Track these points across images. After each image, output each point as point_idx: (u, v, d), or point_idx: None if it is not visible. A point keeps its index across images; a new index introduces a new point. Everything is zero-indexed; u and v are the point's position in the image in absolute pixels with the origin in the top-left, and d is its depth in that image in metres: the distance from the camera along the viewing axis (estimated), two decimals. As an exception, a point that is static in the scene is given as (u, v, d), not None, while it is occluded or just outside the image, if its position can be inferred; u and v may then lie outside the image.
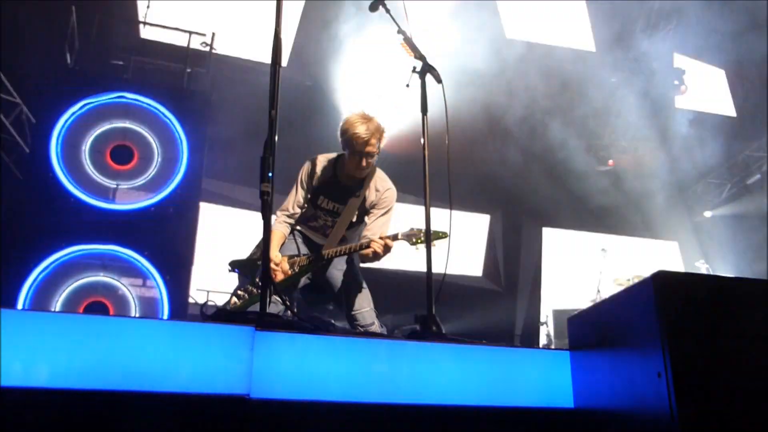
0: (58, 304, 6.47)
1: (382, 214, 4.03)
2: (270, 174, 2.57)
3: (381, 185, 4.10)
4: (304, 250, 4.06)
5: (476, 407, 2.20)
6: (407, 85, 3.33)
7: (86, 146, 6.89)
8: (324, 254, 3.87)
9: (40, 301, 6.39)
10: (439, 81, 3.26)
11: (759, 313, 1.89)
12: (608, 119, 11.22)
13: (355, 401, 2.03)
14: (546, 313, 8.01)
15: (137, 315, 6.68)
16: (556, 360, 2.42)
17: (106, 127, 7.01)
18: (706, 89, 11.48)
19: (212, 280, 7.61)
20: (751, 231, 9.78)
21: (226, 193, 8.92)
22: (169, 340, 1.93)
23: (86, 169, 6.85)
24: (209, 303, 2.56)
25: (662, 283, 1.86)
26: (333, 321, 6.05)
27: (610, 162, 11.22)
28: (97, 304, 6.64)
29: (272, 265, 3.73)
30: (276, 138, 2.63)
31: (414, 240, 3.67)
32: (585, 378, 2.29)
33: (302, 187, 4.09)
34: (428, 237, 3.08)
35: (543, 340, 8.05)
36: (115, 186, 6.91)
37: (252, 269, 4.00)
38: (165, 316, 6.61)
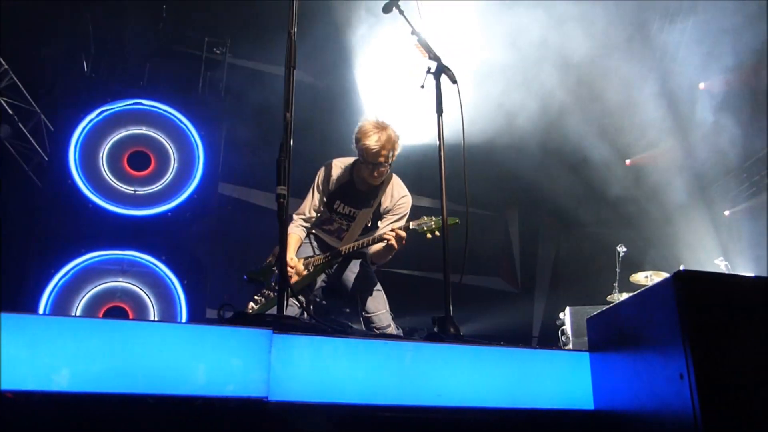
0: (78, 309, 6.53)
1: (396, 220, 4.03)
2: (286, 177, 2.57)
3: (397, 192, 4.10)
4: (319, 252, 4.06)
5: (495, 409, 2.19)
6: (422, 86, 3.32)
7: (104, 153, 6.96)
8: (341, 250, 3.87)
9: (61, 306, 6.45)
10: (454, 81, 3.24)
11: (783, 311, 1.86)
12: (628, 115, 11.10)
13: (374, 404, 2.03)
14: (563, 313, 7.93)
15: (156, 319, 6.72)
16: (575, 361, 2.40)
17: (123, 133, 7.07)
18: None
19: (230, 284, 7.64)
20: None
21: (243, 197, 8.95)
22: (187, 343, 1.93)
23: (104, 176, 6.91)
24: (226, 306, 2.57)
25: (683, 282, 1.83)
26: (350, 323, 6.06)
27: (627, 162, 11.11)
28: (117, 309, 6.69)
29: (287, 268, 3.74)
30: (291, 141, 2.63)
31: (425, 228, 3.64)
32: (605, 379, 2.26)
33: (318, 192, 4.10)
34: (444, 236, 3.06)
35: (561, 340, 7.98)
36: (132, 192, 6.96)
37: (267, 275, 4.02)
38: (183, 320, 6.64)
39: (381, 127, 3.88)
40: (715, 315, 1.82)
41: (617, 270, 7.51)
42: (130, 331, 1.91)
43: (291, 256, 3.87)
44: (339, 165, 4.12)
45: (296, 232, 4.04)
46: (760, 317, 1.85)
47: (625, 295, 7.39)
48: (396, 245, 3.71)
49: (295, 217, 4.08)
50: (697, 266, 9.02)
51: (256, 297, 4.01)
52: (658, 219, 10.14)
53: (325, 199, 4.11)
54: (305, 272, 3.88)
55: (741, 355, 1.79)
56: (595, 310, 7.54)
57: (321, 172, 4.13)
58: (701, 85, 10.35)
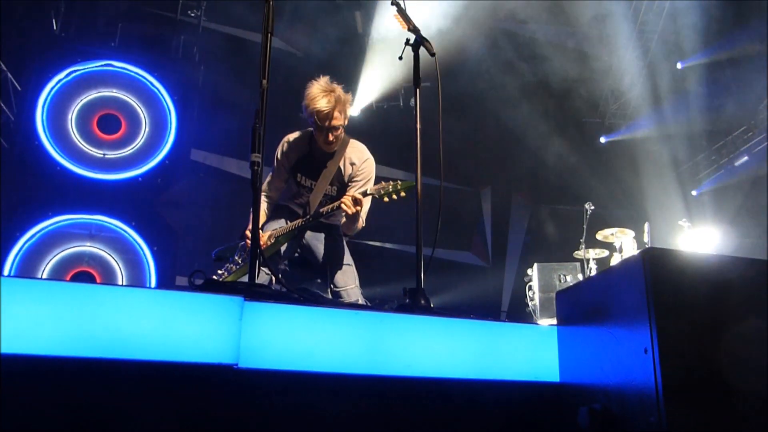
0: (44, 273, 6.44)
1: (362, 185, 3.97)
2: (261, 145, 2.54)
3: (357, 157, 4.02)
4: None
5: (463, 380, 2.22)
6: (400, 58, 3.28)
7: (72, 115, 6.81)
8: (300, 221, 3.86)
9: (26, 270, 6.36)
10: (432, 54, 3.21)
11: (747, 291, 1.91)
12: (601, 94, 11.22)
13: (343, 373, 2.04)
14: (531, 269, 8.03)
15: (124, 285, 6.66)
16: (543, 335, 2.44)
17: (93, 95, 6.92)
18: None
19: (200, 251, 7.59)
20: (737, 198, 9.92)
21: (215, 164, 8.85)
22: (157, 308, 1.92)
23: (73, 138, 6.77)
24: (197, 273, 2.55)
25: (651, 260, 1.87)
26: (321, 293, 6.07)
27: (602, 140, 11.26)
28: (84, 274, 6.61)
29: (248, 241, 3.72)
30: (266, 108, 2.60)
31: (382, 192, 3.62)
32: (571, 353, 2.30)
33: (278, 167, 4.06)
34: (418, 208, 3.07)
35: (528, 295, 8.11)
36: (102, 155, 6.84)
37: (233, 251, 4.00)
38: (152, 286, 6.60)
39: (329, 89, 3.79)
40: (681, 292, 1.86)
41: (584, 227, 7.60)
42: (99, 296, 1.89)
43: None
44: (296, 137, 4.06)
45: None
46: (725, 295, 1.90)
47: (591, 252, 7.51)
48: (351, 210, 3.65)
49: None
50: (662, 224, 9.24)
51: (219, 271, 3.99)
52: (627, 179, 10.30)
53: (288, 175, 4.07)
54: (269, 243, 3.86)
55: (703, 331, 1.84)
56: (562, 267, 7.71)
57: (279, 148, 4.08)
58: (679, 65, 10.48)
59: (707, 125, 10.75)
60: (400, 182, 3.61)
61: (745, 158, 10.30)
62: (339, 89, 3.82)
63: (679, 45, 10.60)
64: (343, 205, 3.65)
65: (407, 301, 2.76)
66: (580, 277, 7.56)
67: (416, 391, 2.13)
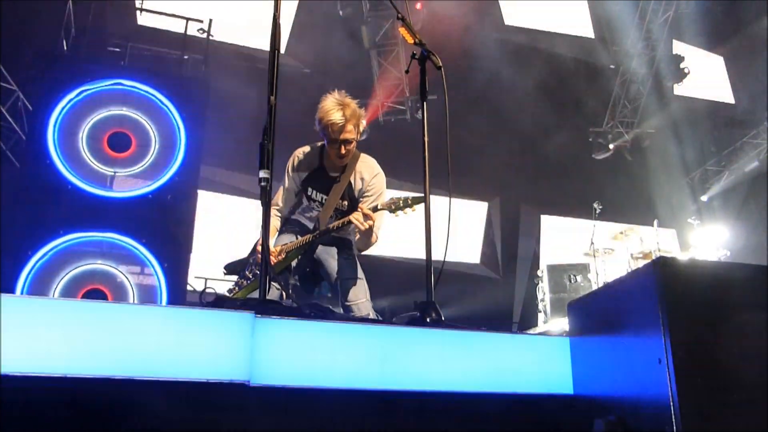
0: (56, 292, 6.45)
1: (373, 201, 3.95)
2: (269, 161, 2.55)
3: (367, 172, 4.01)
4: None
5: (476, 394, 2.20)
6: (406, 71, 3.30)
7: (83, 133, 6.85)
8: (312, 235, 3.85)
9: (38, 289, 6.37)
10: (438, 67, 3.22)
11: (760, 298, 1.89)
12: (607, 106, 11.22)
13: (355, 388, 2.03)
14: (541, 270, 7.99)
15: (135, 302, 6.68)
16: (555, 346, 2.42)
17: (103, 114, 6.96)
18: (705, 76, 11.47)
19: (211, 268, 7.60)
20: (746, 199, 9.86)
21: (225, 180, 8.89)
22: (169, 326, 1.92)
23: (83, 157, 6.81)
24: (208, 290, 2.55)
25: (663, 269, 1.85)
26: (331, 308, 6.06)
27: (611, 146, 11.24)
28: (96, 291, 6.62)
29: (259, 256, 3.72)
30: (275, 124, 2.61)
31: (393, 207, 3.60)
32: (585, 364, 2.29)
33: (289, 180, 4.06)
34: (428, 221, 3.07)
35: (538, 296, 8.06)
36: (112, 173, 6.87)
37: (244, 265, 4.01)
38: (163, 304, 6.61)
39: (344, 103, 3.80)
40: (693, 301, 1.85)
41: (593, 226, 7.56)
42: (110, 314, 1.90)
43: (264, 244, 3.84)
44: (307, 151, 4.06)
45: (269, 222, 3.99)
46: (738, 303, 1.88)
47: (601, 249, 7.46)
48: (362, 226, 3.63)
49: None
50: (671, 221, 9.18)
51: (230, 286, 4.00)
52: (637, 207, 10.26)
53: (298, 188, 4.07)
54: (280, 258, 3.86)
55: (717, 340, 1.82)
56: (572, 267, 7.67)
57: (289, 161, 4.08)
58: (686, 69, 10.47)
59: (716, 131, 10.72)
60: (411, 197, 3.61)
61: (755, 163, 10.25)
62: (353, 103, 3.84)
63: (685, 50, 10.62)
64: (354, 221, 3.64)
65: (418, 314, 2.75)
66: (590, 276, 7.52)
67: (428, 406, 2.12)
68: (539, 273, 8.05)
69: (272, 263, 3.80)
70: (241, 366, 1.92)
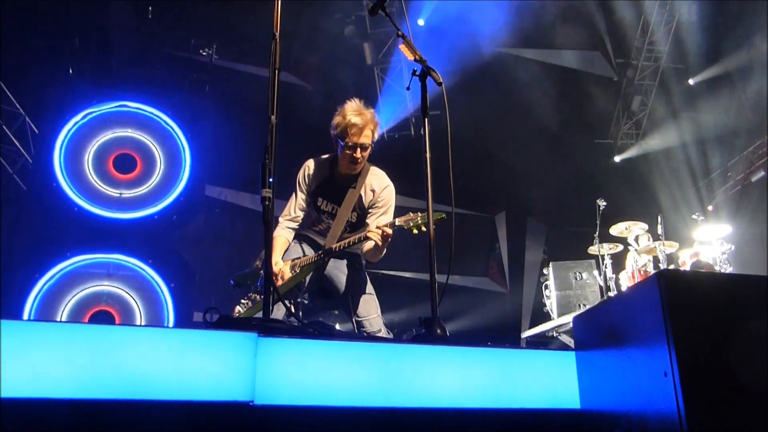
0: (63, 313, 6.48)
1: (383, 213, 3.95)
2: (271, 179, 2.56)
3: (377, 184, 4.00)
4: (309, 252, 4.00)
5: (482, 410, 2.19)
6: (407, 88, 3.31)
7: (89, 155, 6.92)
8: (330, 249, 3.82)
9: (46, 311, 6.40)
10: (439, 83, 3.24)
11: (765, 310, 1.88)
12: (612, 118, 11.24)
13: (360, 406, 2.02)
14: (547, 269, 7.97)
15: (143, 323, 6.69)
16: (561, 360, 2.40)
17: (108, 136, 7.03)
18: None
19: (217, 287, 7.61)
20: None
21: (230, 199, 8.92)
22: (173, 348, 1.92)
23: (89, 179, 6.87)
24: (212, 310, 2.55)
25: (668, 281, 1.84)
26: (338, 324, 6.05)
27: (617, 159, 11.26)
28: (103, 313, 6.64)
29: (277, 274, 3.71)
30: (276, 144, 2.62)
31: (411, 224, 3.58)
32: (591, 378, 2.27)
33: (301, 191, 4.05)
34: (430, 236, 3.06)
35: (544, 294, 8.03)
36: (118, 195, 6.92)
37: (254, 279, 3.98)
38: (170, 324, 6.61)
39: (362, 109, 3.84)
40: (698, 313, 1.83)
41: (597, 222, 7.54)
42: (116, 337, 1.90)
43: (277, 260, 3.82)
44: (318, 161, 4.07)
45: (283, 234, 3.97)
46: (744, 315, 1.87)
47: (605, 246, 7.43)
48: (382, 243, 3.64)
49: (281, 219, 4.02)
50: (676, 217, 9.14)
51: (242, 301, 3.98)
52: (642, 198, 10.24)
53: (309, 198, 4.06)
54: (291, 274, 3.84)
55: (724, 352, 1.81)
56: (577, 265, 7.67)
57: (301, 171, 4.08)
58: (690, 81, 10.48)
59: (720, 141, 10.71)
60: (423, 215, 3.57)
61: (762, 173, 10.21)
62: (372, 110, 3.89)
63: (689, 62, 10.63)
64: (374, 238, 3.61)
65: (423, 330, 2.74)
66: (596, 273, 7.51)
67: (434, 423, 2.10)
68: (545, 272, 8.07)
69: (285, 279, 3.78)
70: (245, 386, 1.91)
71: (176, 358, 1.89)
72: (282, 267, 3.79)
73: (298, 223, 4.07)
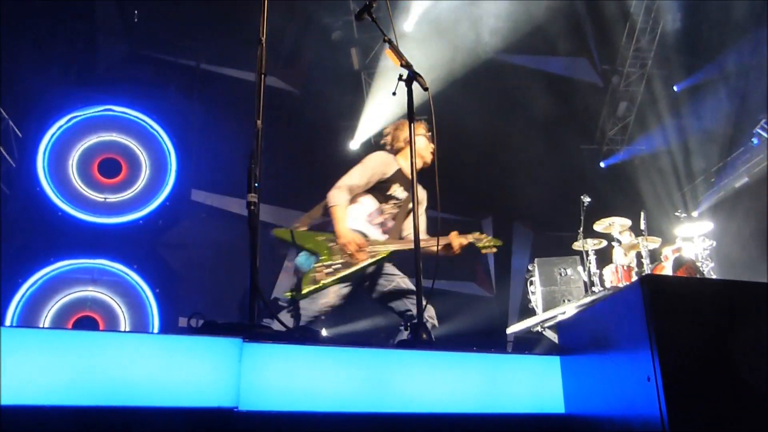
0: (47, 319, 6.41)
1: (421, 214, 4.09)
2: (256, 184, 2.56)
3: (421, 187, 4.13)
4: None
5: (467, 415, 2.19)
6: (394, 93, 3.32)
7: (73, 160, 6.86)
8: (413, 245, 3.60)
9: (29, 316, 6.33)
10: (425, 89, 3.25)
11: (748, 315, 1.90)
12: (597, 124, 11.33)
13: (345, 411, 2.02)
14: (532, 265, 7.99)
15: (127, 329, 6.64)
16: (546, 365, 2.41)
17: (93, 140, 6.98)
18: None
19: (203, 292, 7.57)
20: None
21: (216, 204, 8.87)
22: (157, 354, 1.91)
23: (74, 183, 6.81)
24: (197, 315, 2.53)
25: (651, 286, 1.86)
26: (323, 331, 6.02)
27: (602, 164, 11.34)
28: (87, 319, 6.58)
29: (356, 245, 3.71)
30: (261, 148, 2.62)
31: (480, 245, 3.91)
32: (576, 383, 2.28)
33: (369, 171, 3.99)
34: (416, 240, 3.07)
35: (529, 290, 8.05)
36: (103, 199, 6.87)
37: (302, 241, 3.83)
38: (155, 330, 6.56)
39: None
40: (681, 318, 1.85)
41: (581, 218, 7.57)
42: (100, 343, 1.88)
43: (347, 227, 3.77)
44: (387, 154, 4.16)
45: (342, 202, 3.83)
46: (725, 320, 1.89)
47: (589, 242, 7.46)
48: (458, 252, 3.92)
49: (341, 185, 3.88)
50: (659, 213, 9.22)
51: (318, 269, 3.74)
52: (628, 202, 10.29)
53: (374, 183, 3.99)
54: (366, 256, 3.77)
55: (707, 357, 1.83)
56: (562, 261, 7.70)
57: (376, 156, 4.08)
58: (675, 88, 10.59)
59: (705, 147, 10.81)
60: (492, 239, 3.95)
61: (746, 179, 10.31)
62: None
63: (674, 68, 10.74)
64: (457, 248, 3.86)
65: (408, 335, 2.74)
66: (580, 269, 7.54)
67: (419, 428, 2.10)
68: (530, 268, 8.09)
69: (358, 255, 3.74)
70: (229, 391, 1.90)
71: (160, 364, 1.88)
72: (359, 236, 3.77)
73: (350, 197, 3.96)
